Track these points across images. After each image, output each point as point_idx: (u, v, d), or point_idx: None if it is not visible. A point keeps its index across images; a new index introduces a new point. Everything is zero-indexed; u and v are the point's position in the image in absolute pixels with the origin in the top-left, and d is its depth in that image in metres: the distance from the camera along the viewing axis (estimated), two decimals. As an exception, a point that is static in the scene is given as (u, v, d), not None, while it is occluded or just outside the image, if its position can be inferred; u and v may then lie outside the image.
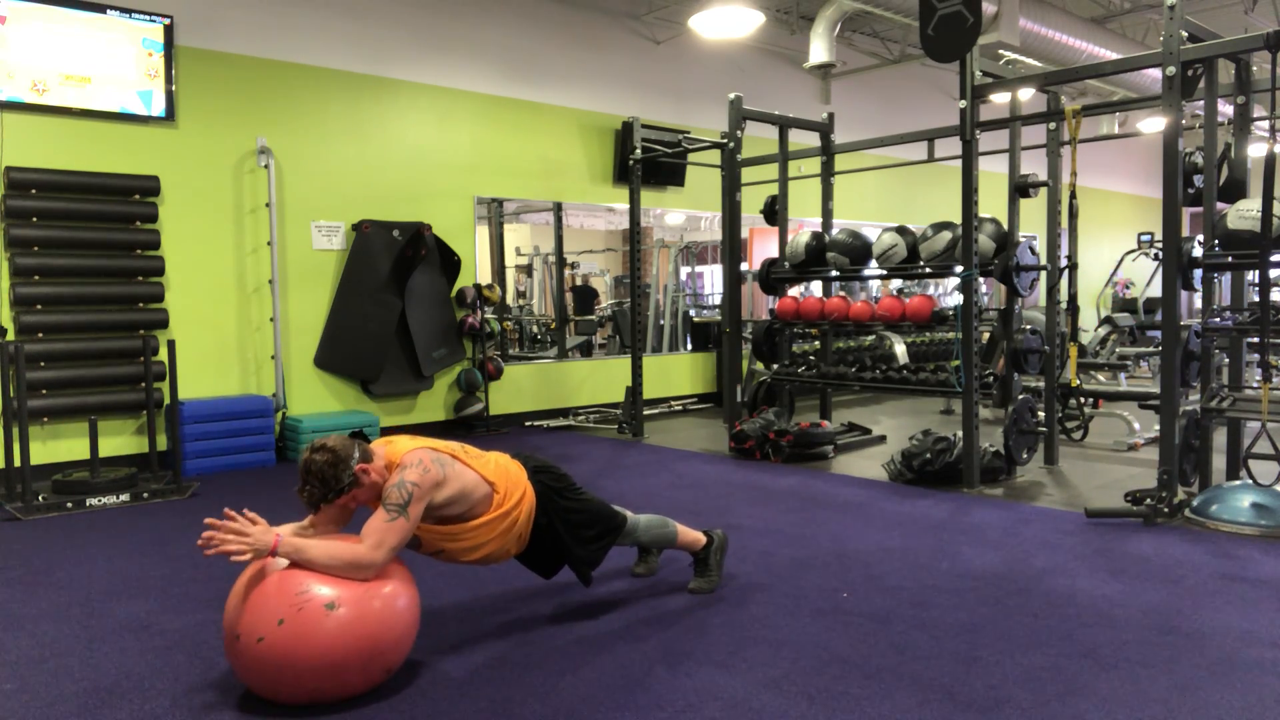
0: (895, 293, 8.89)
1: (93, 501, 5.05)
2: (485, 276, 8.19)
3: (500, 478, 2.96)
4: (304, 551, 2.50)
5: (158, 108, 6.08)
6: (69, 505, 4.99)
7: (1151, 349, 9.40)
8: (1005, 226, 5.57)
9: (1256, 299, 4.52)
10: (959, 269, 5.43)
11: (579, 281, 11.52)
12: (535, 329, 10.81)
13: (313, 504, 2.64)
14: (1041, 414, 5.73)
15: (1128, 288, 12.89)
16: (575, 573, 3.21)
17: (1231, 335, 4.88)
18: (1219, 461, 5.08)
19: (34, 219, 5.67)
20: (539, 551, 3.15)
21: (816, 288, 7.70)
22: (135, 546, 4.26)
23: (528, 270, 11.54)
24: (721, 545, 3.60)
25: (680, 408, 8.97)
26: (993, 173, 6.90)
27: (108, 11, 5.85)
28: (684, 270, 10.84)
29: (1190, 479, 4.79)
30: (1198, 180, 4.79)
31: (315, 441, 2.66)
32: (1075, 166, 4.80)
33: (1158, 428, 4.78)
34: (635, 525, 3.36)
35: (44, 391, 5.65)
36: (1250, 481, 4.38)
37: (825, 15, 8.33)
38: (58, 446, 5.82)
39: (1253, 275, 5.03)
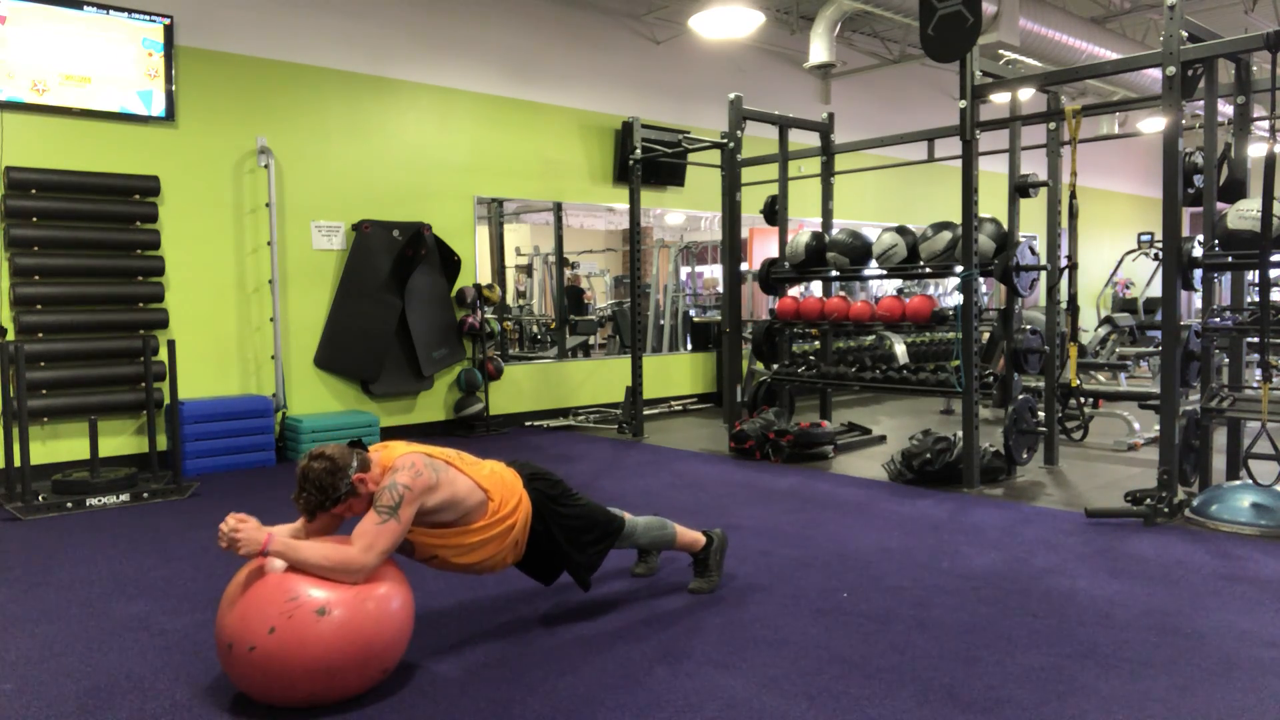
0: (895, 293, 8.89)
1: (93, 501, 5.05)
2: (485, 276, 8.19)
3: (495, 486, 2.93)
4: (296, 551, 2.50)
5: (158, 108, 6.08)
6: (69, 505, 4.99)
7: (1151, 349, 9.39)
8: (1005, 226, 5.56)
9: (1256, 299, 4.52)
10: (959, 269, 5.43)
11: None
12: (535, 329, 10.82)
13: (309, 511, 2.65)
14: (1041, 414, 5.73)
15: (1128, 288, 12.90)
16: (574, 578, 3.20)
17: (1231, 335, 4.88)
18: (1219, 461, 5.08)
19: (34, 219, 5.68)
20: (537, 559, 3.13)
21: (816, 288, 7.70)
22: (135, 546, 4.26)
23: (528, 270, 11.54)
24: (721, 545, 3.60)
25: (680, 408, 8.97)
26: (993, 173, 6.90)
27: (107, 11, 5.85)
28: (684, 270, 10.84)
29: (1190, 479, 4.78)
30: (1198, 180, 4.79)
31: (314, 449, 2.67)
32: (1075, 166, 4.80)
33: (1158, 428, 4.78)
34: (634, 528, 3.34)
35: (44, 391, 5.65)
36: (1250, 481, 4.38)
37: (825, 15, 8.33)
38: (58, 446, 5.82)
39: (1253, 275, 5.04)
